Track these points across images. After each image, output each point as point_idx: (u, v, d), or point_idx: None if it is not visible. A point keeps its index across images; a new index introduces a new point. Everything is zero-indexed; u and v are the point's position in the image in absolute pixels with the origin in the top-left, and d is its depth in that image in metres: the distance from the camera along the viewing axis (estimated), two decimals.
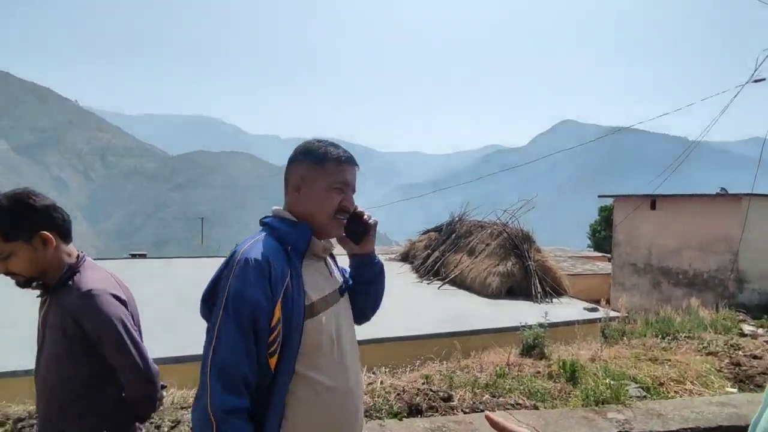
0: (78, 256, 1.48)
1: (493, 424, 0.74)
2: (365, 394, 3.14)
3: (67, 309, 1.36)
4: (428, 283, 10.21)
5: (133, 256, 16.46)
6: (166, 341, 4.68)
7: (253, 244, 1.11)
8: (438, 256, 11.01)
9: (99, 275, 1.46)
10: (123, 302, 1.44)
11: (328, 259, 1.30)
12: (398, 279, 10.32)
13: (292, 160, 1.22)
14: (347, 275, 1.37)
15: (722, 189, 13.42)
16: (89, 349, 1.37)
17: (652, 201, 12.79)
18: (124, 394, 1.44)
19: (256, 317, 1.03)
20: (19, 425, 2.33)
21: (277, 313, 1.04)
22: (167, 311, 6.22)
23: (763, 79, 10.67)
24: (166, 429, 2.53)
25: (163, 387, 1.53)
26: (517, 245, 9.80)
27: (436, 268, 10.73)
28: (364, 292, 1.35)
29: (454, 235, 11.51)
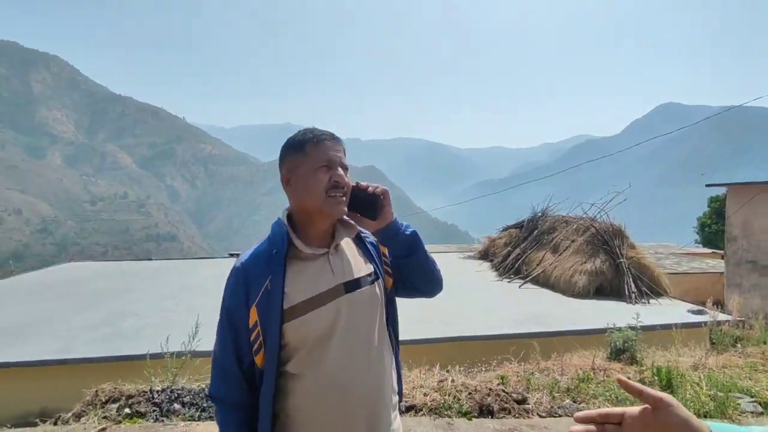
0: None
1: (623, 385, 0.66)
2: (435, 391, 3.13)
3: None
4: (509, 282, 9.84)
5: (231, 255, 18.09)
6: None
7: (246, 252, 1.20)
8: (519, 253, 10.56)
9: None
10: None
11: (345, 248, 1.23)
12: (476, 277, 10.09)
13: (279, 158, 1.20)
14: (379, 261, 1.28)
15: None
16: None
17: None
18: None
19: (233, 320, 1.14)
20: (131, 401, 2.69)
21: (253, 316, 1.12)
22: None
23: None
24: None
25: None
26: (606, 241, 9.06)
27: (516, 266, 10.31)
28: (409, 267, 1.27)
29: (536, 231, 10.96)
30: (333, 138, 1.18)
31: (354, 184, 1.20)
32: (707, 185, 14.24)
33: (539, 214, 11.63)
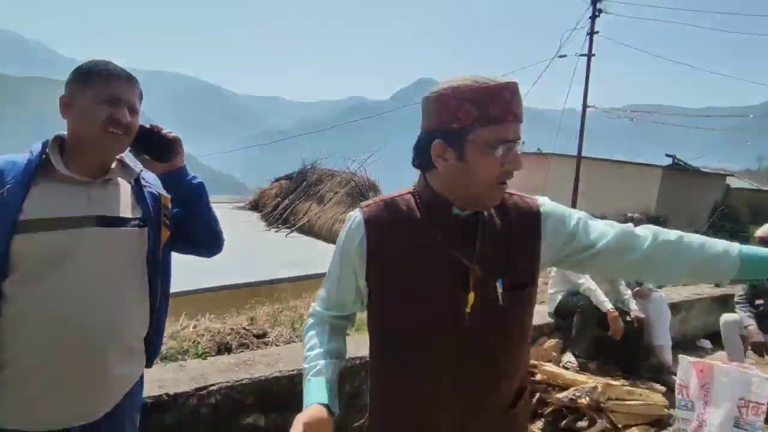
0: None
1: None
2: (171, 338, 3.04)
3: None
4: (276, 231, 10.16)
5: None
6: None
7: None
8: (288, 204, 10.95)
9: None
10: None
11: (117, 187, 1.21)
12: (245, 228, 10.02)
13: (66, 81, 1.17)
14: (156, 211, 1.27)
15: (538, 149, 16.74)
16: None
17: None
18: None
19: None
20: None
21: None
22: None
23: (565, 56, 12.78)
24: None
25: None
26: (363, 193, 10.28)
27: (285, 216, 10.69)
28: (191, 217, 1.31)
29: (305, 183, 11.52)
30: (126, 78, 1.16)
31: (150, 126, 1.23)
32: None
33: (308, 166, 12.22)
